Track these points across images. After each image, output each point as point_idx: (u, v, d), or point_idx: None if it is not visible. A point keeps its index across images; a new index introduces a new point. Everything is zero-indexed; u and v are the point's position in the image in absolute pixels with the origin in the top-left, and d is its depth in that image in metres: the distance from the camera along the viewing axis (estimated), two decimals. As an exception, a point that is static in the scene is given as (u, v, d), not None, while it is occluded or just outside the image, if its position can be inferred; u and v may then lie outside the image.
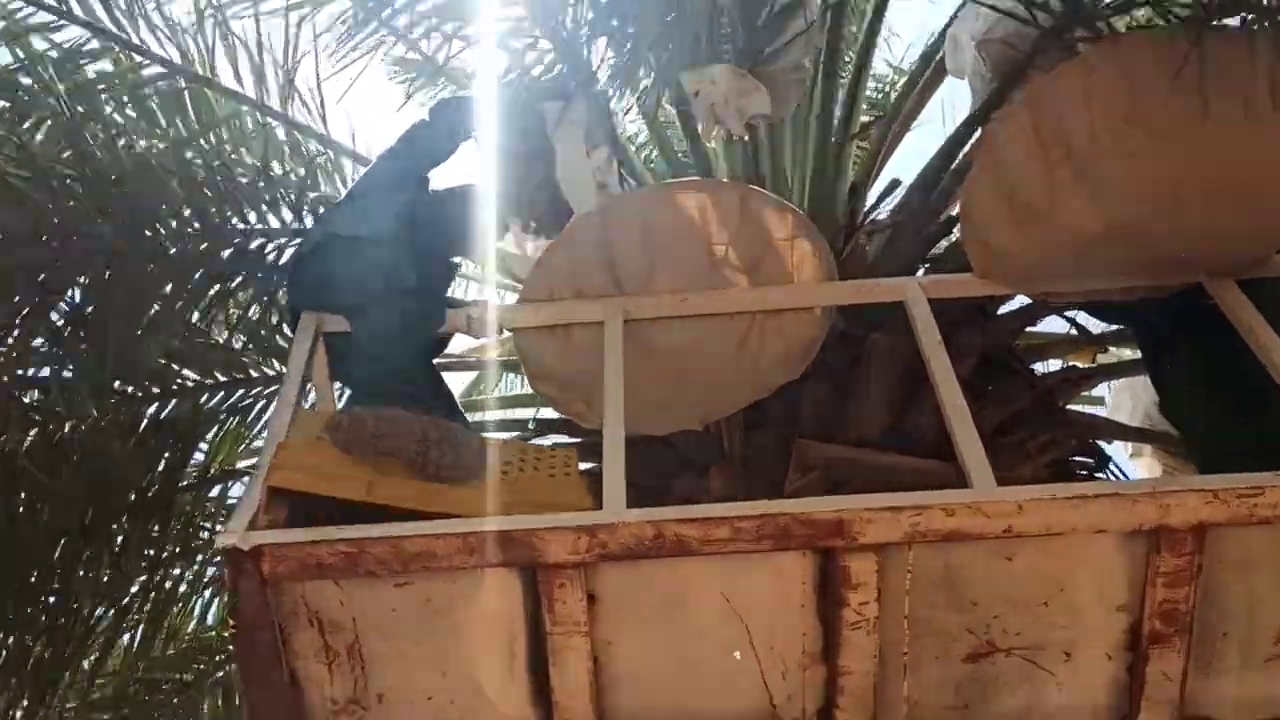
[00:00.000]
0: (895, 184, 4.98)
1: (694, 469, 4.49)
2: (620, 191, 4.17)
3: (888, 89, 6.62)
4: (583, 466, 3.26)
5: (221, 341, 4.58)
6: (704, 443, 4.46)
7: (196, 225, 4.22)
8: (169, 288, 4.20)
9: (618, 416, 3.12)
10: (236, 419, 4.73)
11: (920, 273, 4.70)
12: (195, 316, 4.40)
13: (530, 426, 4.70)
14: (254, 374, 4.64)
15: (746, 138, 4.41)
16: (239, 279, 4.37)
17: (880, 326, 4.29)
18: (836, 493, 3.45)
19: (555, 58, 4.21)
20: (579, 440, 4.71)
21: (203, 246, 4.22)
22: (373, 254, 3.40)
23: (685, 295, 3.46)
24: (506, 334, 3.71)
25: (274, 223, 4.44)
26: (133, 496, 4.50)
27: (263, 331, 4.49)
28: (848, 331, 4.36)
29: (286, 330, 4.31)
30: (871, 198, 5.11)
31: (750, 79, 4.03)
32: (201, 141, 4.62)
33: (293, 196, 4.40)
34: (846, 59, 5.30)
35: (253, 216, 4.36)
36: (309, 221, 4.41)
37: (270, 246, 4.36)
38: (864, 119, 5.71)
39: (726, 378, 3.59)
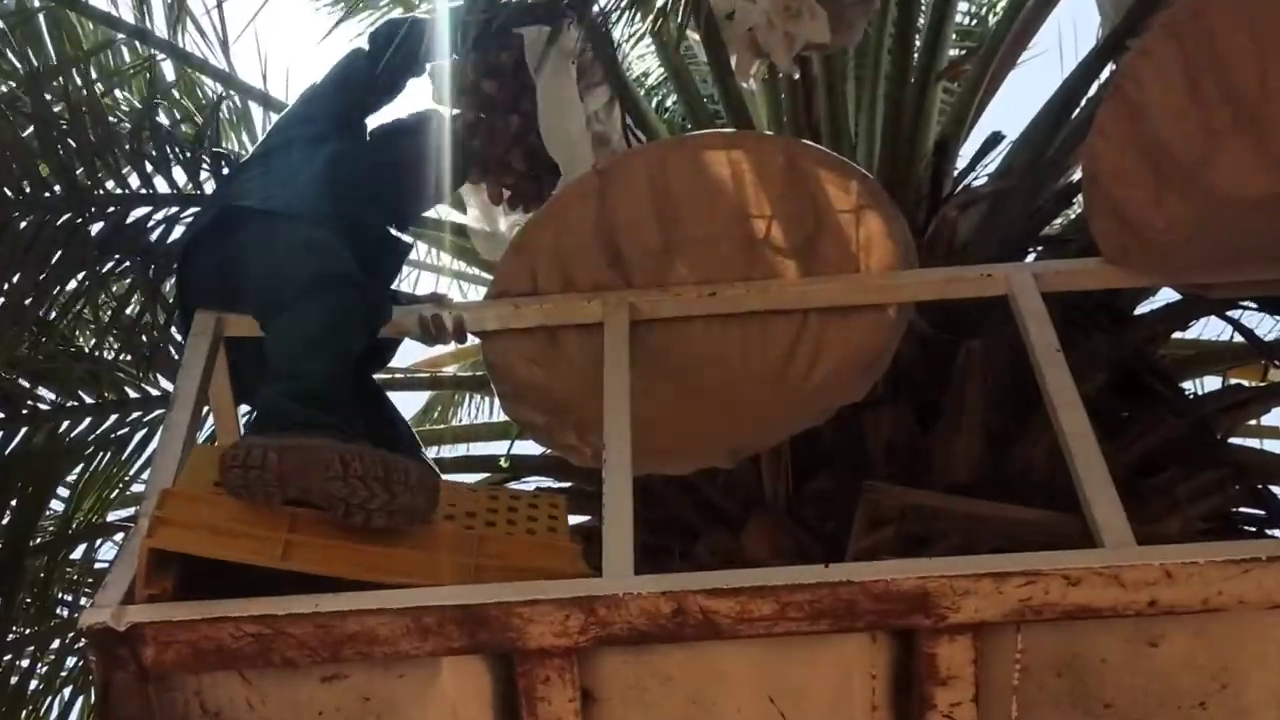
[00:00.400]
0: (996, 138, 5.01)
1: (726, 522, 4.52)
2: (625, 147, 4.20)
3: (985, 9, 6.65)
4: (575, 520, 3.25)
5: (89, 349, 4.60)
6: (739, 487, 4.50)
7: (57, 189, 4.24)
8: (17, 275, 4.23)
9: (623, 452, 3.12)
10: (108, 454, 4.75)
11: (1031, 258, 4.74)
12: (53, 314, 4.41)
13: (504, 465, 4.71)
14: (132, 393, 4.66)
15: (796, 75, 4.43)
16: (113, 263, 4.40)
17: (976, 330, 4.33)
18: (919, 554, 3.44)
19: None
20: (569, 485, 4.73)
21: (64, 218, 4.24)
22: (291, 231, 3.38)
23: (713, 288, 3.49)
24: (471, 340, 3.70)
25: (161, 186, 4.46)
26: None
27: (144, 336, 4.49)
28: (933, 337, 4.41)
29: (176, 334, 4.33)
30: (964, 157, 5.17)
31: None
32: (63, 80, 4.65)
33: (186, 153, 4.43)
34: (930, -33, 5.32)
35: (133, 179, 4.38)
36: (208, 187, 4.44)
37: (156, 219, 4.39)
38: (953, 51, 5.76)
39: (768, 399, 3.59)
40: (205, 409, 3.47)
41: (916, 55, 4.96)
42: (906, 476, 4.28)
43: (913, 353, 4.45)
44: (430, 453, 5.43)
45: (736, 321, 3.50)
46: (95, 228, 4.30)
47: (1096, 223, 3.49)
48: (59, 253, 4.24)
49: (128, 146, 4.42)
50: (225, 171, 4.55)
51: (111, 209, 4.34)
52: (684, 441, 3.68)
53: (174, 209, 4.44)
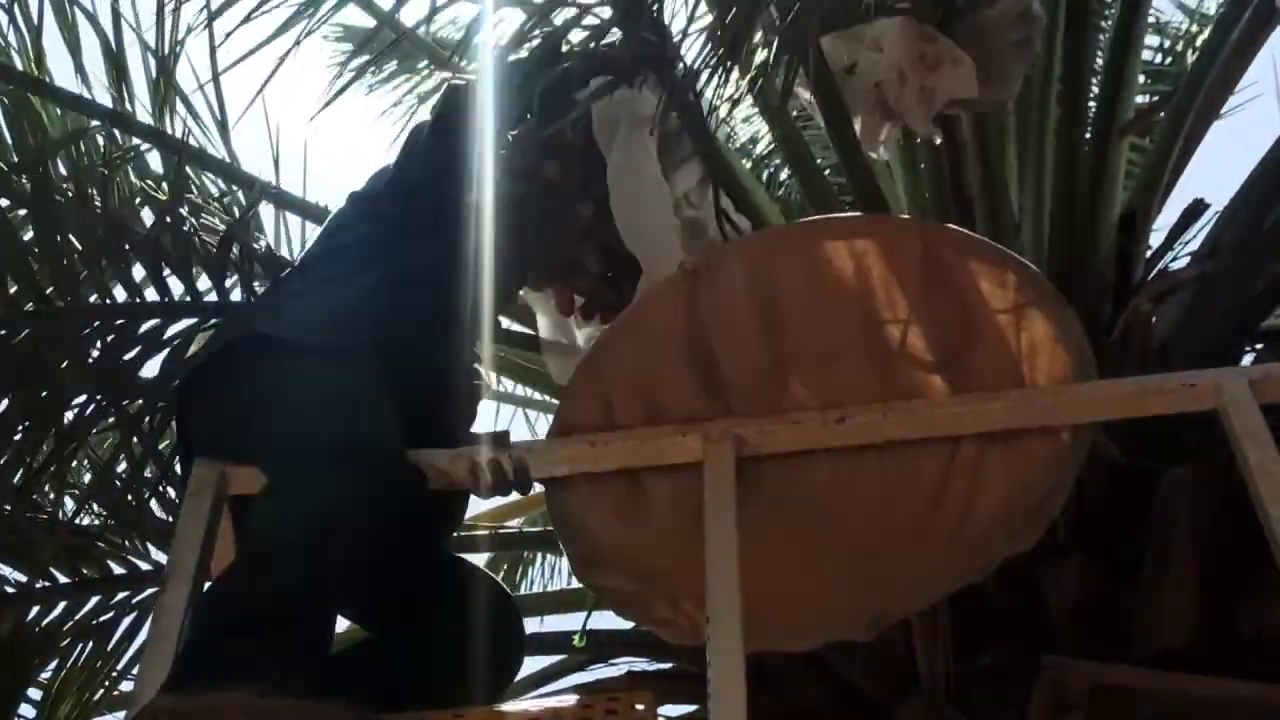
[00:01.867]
0: (1199, 208, 5.05)
1: (871, 711, 4.54)
2: (721, 238, 4.27)
3: (1179, 44, 6.71)
4: (673, 712, 3.26)
5: (63, 516, 4.71)
6: (886, 666, 4.52)
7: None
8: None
9: (733, 627, 3.14)
10: (89, 646, 4.85)
11: (1248, 360, 4.75)
12: (18, 474, 4.54)
13: (577, 644, 4.75)
14: (117, 569, 4.76)
15: (938, 139, 4.50)
16: (95, 404, 4.53)
17: (1182, 455, 4.34)
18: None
19: (608, 17, 4.31)
20: (669, 666, 4.77)
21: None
22: (320, 375, 3.46)
23: (840, 413, 3.50)
24: (537, 488, 3.75)
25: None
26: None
27: (129, 498, 4.61)
28: (1125, 466, 4.43)
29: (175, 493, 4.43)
30: (1159, 232, 5.22)
31: (944, 40, 4.13)
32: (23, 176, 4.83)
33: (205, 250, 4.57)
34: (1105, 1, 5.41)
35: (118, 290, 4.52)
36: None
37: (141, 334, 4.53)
38: (1139, 100, 5.82)
39: (912, 552, 3.61)
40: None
41: (1093, 106, 5.04)
42: (1100, 646, 4.30)
43: (1100, 487, 4.50)
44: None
45: (870, 455, 3.50)
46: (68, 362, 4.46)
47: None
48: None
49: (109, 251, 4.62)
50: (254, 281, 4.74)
51: (88, 329, 4.49)
52: (808, 610, 3.72)
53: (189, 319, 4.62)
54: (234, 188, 5.30)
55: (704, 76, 3.89)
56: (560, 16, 4.08)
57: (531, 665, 5.58)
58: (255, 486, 3.56)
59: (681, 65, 4.08)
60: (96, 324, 4.67)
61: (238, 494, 3.58)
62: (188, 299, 4.75)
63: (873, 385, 3.51)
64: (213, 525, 3.50)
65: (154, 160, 5.41)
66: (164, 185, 5.24)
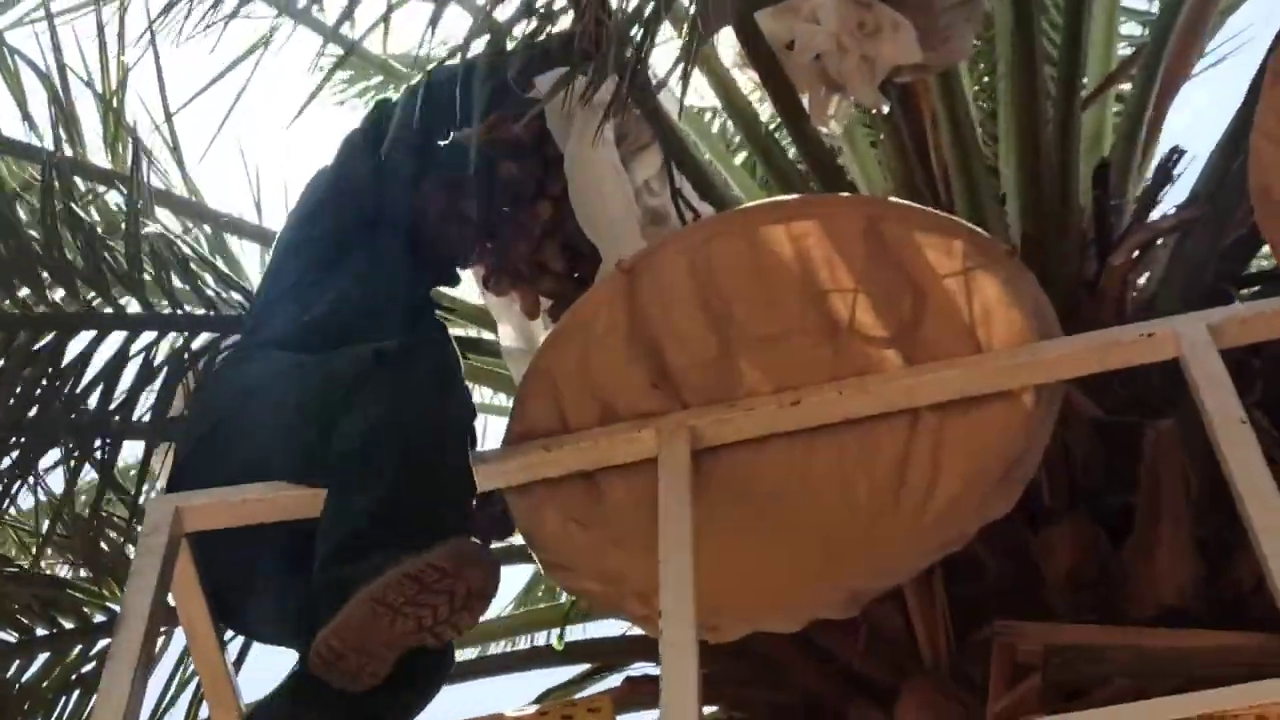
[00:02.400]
0: (1176, 155, 5.02)
1: (875, 695, 4.52)
2: (682, 225, 4.25)
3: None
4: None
5: (32, 567, 4.72)
6: (887, 648, 4.50)
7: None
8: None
9: (684, 623, 3.15)
10: (73, 698, 4.83)
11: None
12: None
13: (557, 648, 4.76)
14: (98, 617, 4.76)
15: (886, 109, 4.48)
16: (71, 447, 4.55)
17: (1168, 407, 4.31)
18: (1073, 707, 3.47)
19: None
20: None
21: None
22: (269, 429, 3.55)
23: (794, 395, 3.50)
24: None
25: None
26: None
27: (103, 543, 4.62)
28: (1111, 424, 4.40)
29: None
30: (1138, 184, 5.18)
31: (881, 6, 4.12)
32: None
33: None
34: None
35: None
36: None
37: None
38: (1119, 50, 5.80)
39: (880, 530, 3.55)
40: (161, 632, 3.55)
41: (1062, 63, 5.00)
42: (1098, 610, 4.27)
43: (1087, 448, 4.47)
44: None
45: (827, 436, 3.48)
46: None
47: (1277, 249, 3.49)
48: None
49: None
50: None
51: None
52: (785, 592, 3.65)
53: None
54: (190, 224, 5.31)
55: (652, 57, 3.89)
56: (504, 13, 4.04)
57: (550, 677, 5.62)
58: (216, 518, 3.58)
59: (630, 48, 4.03)
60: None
61: (198, 529, 3.59)
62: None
63: (825, 365, 3.50)
64: (168, 565, 3.49)
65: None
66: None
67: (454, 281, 4.41)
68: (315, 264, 3.98)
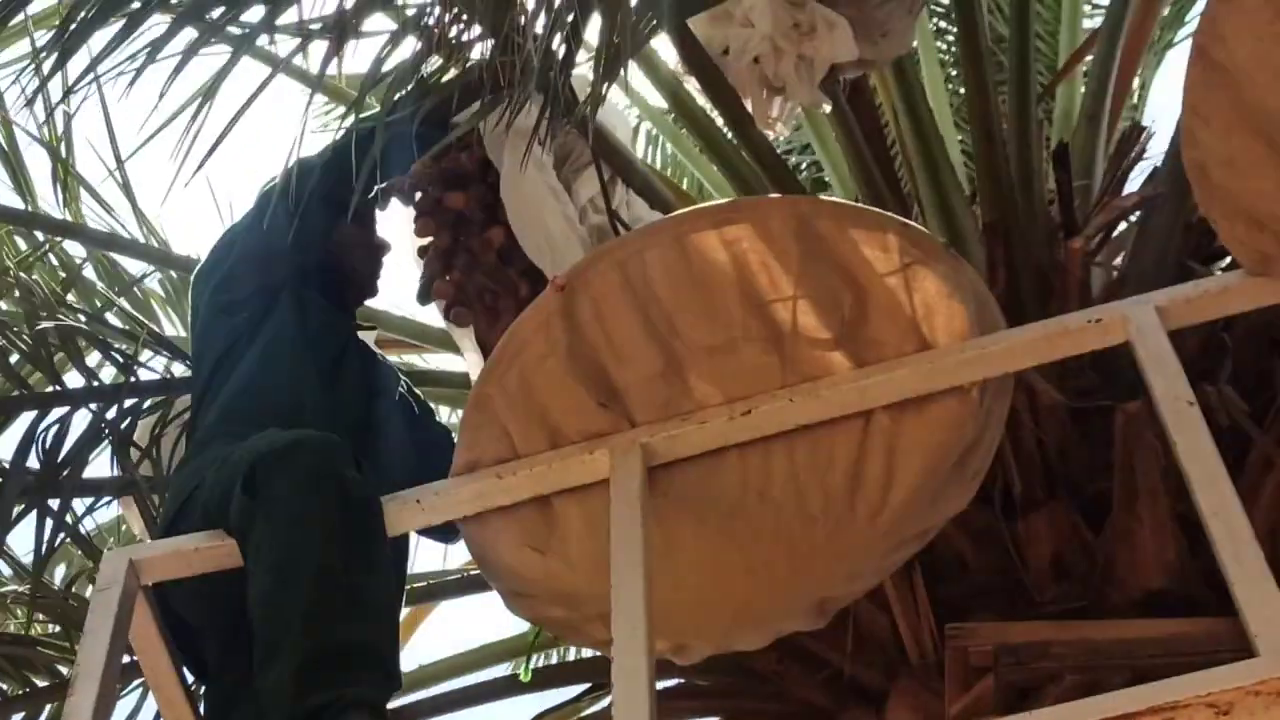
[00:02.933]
0: (1135, 132, 5.03)
1: (867, 697, 4.54)
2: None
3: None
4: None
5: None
6: (874, 650, 4.52)
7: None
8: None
9: (637, 648, 3.15)
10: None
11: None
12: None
13: (523, 679, 4.78)
14: (68, 671, 4.77)
15: (827, 109, 4.49)
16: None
17: (1137, 388, 4.32)
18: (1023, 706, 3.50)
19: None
20: (678, 683, 4.79)
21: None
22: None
23: (745, 405, 3.49)
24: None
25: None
26: None
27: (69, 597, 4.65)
28: (1079, 409, 4.40)
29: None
30: (1101, 163, 5.19)
31: (814, 5, 4.14)
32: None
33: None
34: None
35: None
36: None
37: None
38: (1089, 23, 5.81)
39: (841, 535, 3.57)
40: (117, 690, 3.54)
41: (1012, 45, 5.00)
42: (1082, 598, 4.28)
43: (1060, 434, 4.48)
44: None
45: (778, 446, 3.48)
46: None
47: (1222, 227, 3.47)
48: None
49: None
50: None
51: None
52: (750, 608, 3.69)
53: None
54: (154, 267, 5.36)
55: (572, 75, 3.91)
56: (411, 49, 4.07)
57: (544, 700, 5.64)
58: (176, 567, 3.61)
59: (553, 70, 4.05)
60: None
61: (158, 580, 3.62)
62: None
63: (773, 372, 3.49)
64: (123, 620, 3.47)
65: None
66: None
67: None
68: (241, 328, 4.10)
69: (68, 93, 4.19)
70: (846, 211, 3.61)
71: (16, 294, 5.19)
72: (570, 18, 3.72)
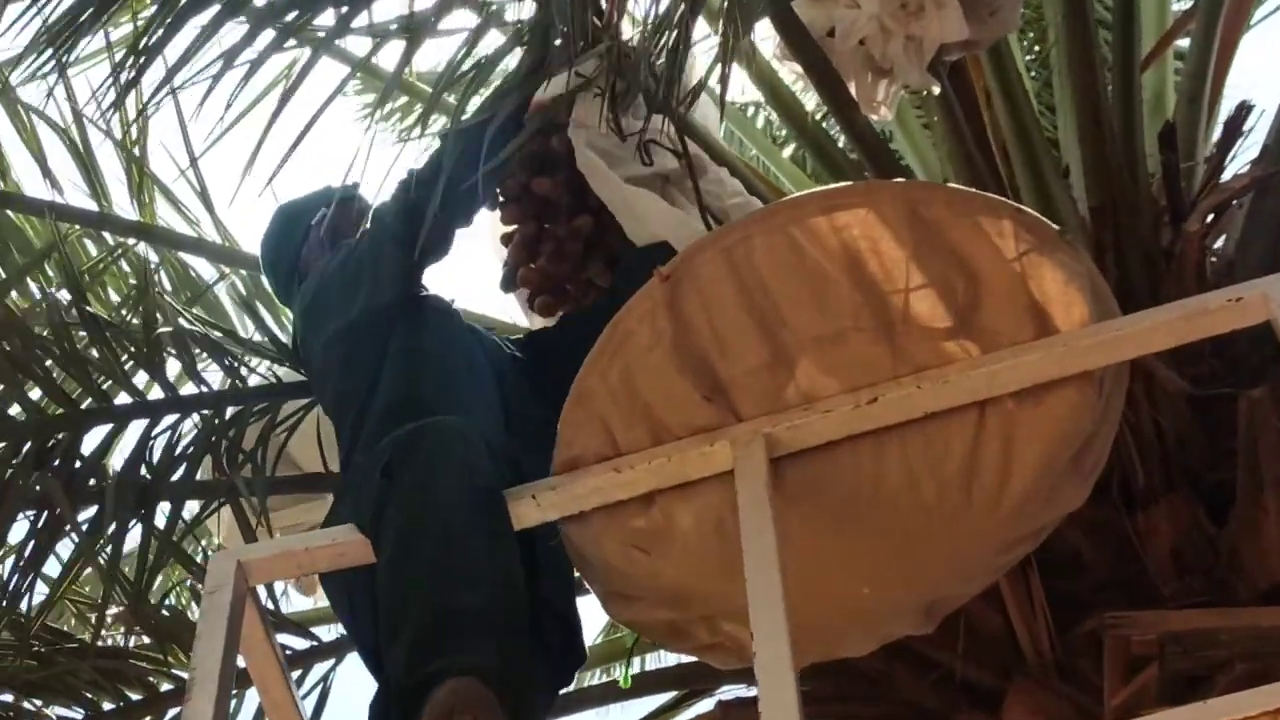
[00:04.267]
0: (1243, 111, 5.04)
1: (980, 700, 4.56)
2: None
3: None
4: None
5: (91, 638, 4.79)
6: (988, 649, 4.54)
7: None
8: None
9: (780, 644, 3.16)
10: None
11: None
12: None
13: (623, 685, 4.81)
14: (164, 685, 4.84)
15: (936, 91, 4.51)
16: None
17: (1262, 373, 4.35)
18: (1193, 697, 3.45)
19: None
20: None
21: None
22: None
23: (872, 393, 3.49)
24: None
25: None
26: None
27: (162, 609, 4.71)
28: (1202, 397, 4.42)
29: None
30: (1206, 145, 5.20)
31: None
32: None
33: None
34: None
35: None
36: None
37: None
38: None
39: (954, 532, 3.58)
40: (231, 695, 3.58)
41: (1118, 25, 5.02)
42: (1205, 592, 4.30)
43: (1181, 423, 4.50)
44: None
45: (892, 437, 3.49)
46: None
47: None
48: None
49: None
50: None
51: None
52: (857, 611, 3.72)
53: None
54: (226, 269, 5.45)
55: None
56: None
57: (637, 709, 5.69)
58: (281, 571, 3.68)
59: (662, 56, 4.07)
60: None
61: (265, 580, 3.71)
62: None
63: (883, 362, 3.50)
64: (234, 623, 3.52)
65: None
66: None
67: None
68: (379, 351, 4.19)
69: (150, 100, 4.26)
70: (960, 197, 3.61)
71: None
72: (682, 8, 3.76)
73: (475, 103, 4.24)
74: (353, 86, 7.42)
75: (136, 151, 5.40)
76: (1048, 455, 3.52)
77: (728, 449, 3.51)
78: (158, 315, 4.90)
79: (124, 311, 5.11)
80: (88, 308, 4.98)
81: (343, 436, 4.22)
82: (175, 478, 4.79)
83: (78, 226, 5.50)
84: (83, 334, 4.98)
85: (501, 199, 4.68)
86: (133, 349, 4.90)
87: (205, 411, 4.95)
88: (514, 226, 4.73)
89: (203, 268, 5.80)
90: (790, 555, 3.33)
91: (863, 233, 3.51)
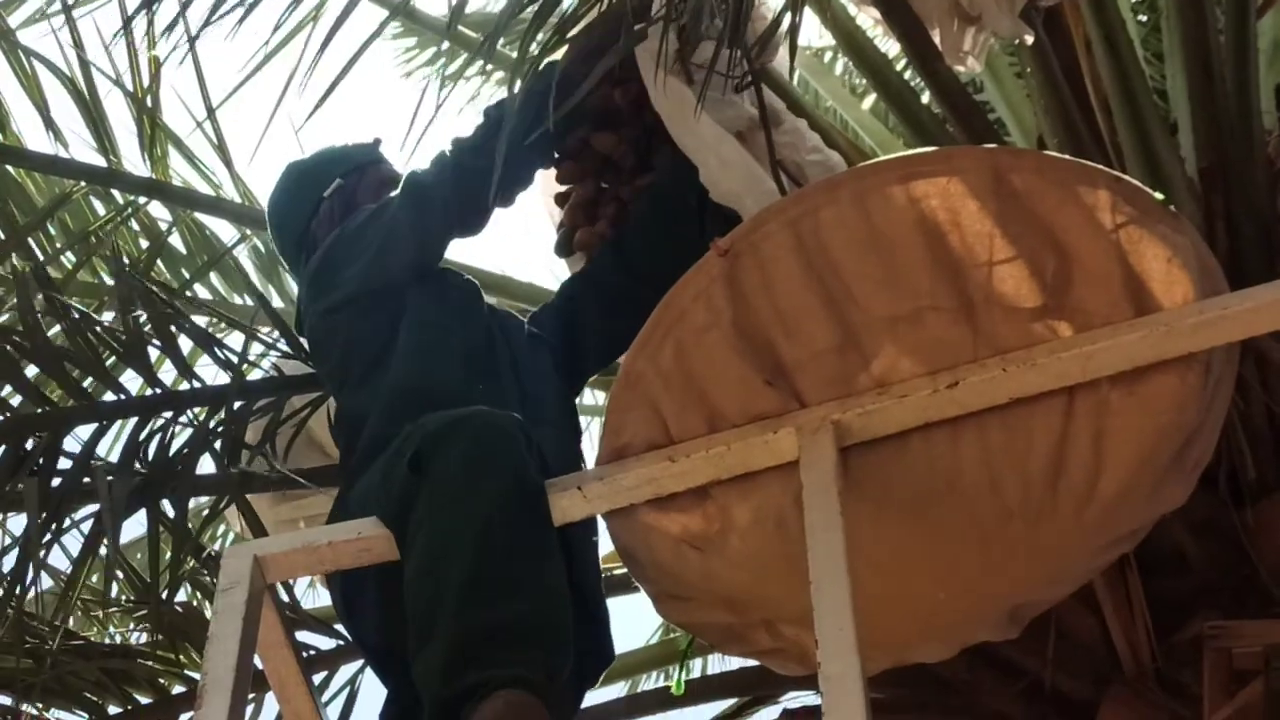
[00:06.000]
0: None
1: (1071, 710, 4.56)
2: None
3: None
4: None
5: (104, 639, 4.83)
6: (1081, 656, 4.54)
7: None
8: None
9: (849, 648, 3.16)
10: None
11: None
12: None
13: (675, 692, 4.83)
14: (177, 688, 4.87)
15: (1029, 40, 4.48)
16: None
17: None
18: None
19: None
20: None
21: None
22: None
23: (952, 376, 3.47)
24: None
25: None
26: None
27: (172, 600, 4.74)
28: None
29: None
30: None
31: None
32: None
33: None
34: None
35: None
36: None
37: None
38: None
39: (1040, 531, 3.56)
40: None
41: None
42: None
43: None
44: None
45: (969, 428, 3.48)
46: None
47: None
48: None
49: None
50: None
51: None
52: (935, 616, 3.71)
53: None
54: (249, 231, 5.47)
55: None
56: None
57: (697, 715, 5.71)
58: (300, 568, 3.71)
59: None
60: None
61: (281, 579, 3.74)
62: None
63: (964, 345, 3.49)
64: (251, 623, 3.55)
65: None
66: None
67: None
68: (384, 324, 4.24)
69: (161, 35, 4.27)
70: (1050, 164, 3.60)
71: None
72: None
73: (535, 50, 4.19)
74: (391, 29, 7.39)
75: (149, 102, 5.39)
76: (1145, 451, 3.50)
77: (793, 437, 3.51)
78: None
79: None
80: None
81: (352, 410, 4.25)
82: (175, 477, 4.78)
83: (84, 183, 5.49)
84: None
85: (557, 155, 4.65)
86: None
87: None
88: (569, 186, 4.71)
89: (221, 229, 5.83)
90: (858, 556, 3.33)
91: (942, 204, 3.51)
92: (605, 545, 4.01)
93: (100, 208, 5.75)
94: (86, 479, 4.66)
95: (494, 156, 4.07)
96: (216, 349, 4.89)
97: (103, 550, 4.65)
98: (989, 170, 3.54)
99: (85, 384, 5.09)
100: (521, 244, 5.25)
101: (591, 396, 7.29)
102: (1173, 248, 3.49)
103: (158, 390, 4.96)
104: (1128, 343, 3.44)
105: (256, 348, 5.10)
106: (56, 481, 4.72)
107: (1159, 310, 3.47)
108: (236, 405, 4.85)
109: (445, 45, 7.49)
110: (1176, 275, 3.48)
